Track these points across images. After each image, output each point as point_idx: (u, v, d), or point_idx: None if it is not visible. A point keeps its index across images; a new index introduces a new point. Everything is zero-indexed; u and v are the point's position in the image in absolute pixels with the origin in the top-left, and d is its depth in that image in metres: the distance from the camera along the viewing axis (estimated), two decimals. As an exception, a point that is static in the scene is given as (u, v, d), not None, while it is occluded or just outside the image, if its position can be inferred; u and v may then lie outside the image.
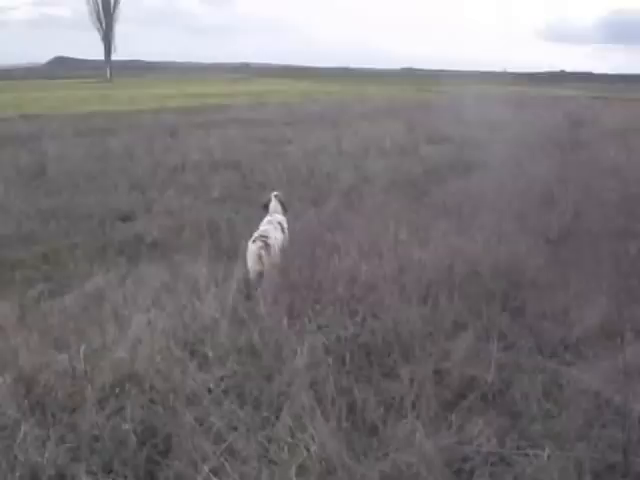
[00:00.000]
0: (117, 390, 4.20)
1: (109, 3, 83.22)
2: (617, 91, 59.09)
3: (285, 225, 7.36)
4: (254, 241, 6.58)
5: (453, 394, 4.47)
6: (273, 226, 7.12)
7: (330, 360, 4.64)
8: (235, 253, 7.83)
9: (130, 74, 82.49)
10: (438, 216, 9.56)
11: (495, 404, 4.45)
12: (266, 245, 6.53)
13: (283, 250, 6.92)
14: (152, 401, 4.14)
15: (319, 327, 5.24)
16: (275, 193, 7.83)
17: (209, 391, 4.27)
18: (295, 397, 4.11)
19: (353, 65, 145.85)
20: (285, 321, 5.32)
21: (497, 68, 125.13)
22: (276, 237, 6.89)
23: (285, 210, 7.73)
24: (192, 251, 8.21)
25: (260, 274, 6.52)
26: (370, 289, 6.09)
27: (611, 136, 20.54)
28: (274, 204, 7.62)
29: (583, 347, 5.33)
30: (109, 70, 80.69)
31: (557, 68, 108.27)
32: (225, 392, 4.30)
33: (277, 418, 3.97)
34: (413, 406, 4.18)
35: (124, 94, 42.67)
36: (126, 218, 10.07)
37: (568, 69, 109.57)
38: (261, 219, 7.38)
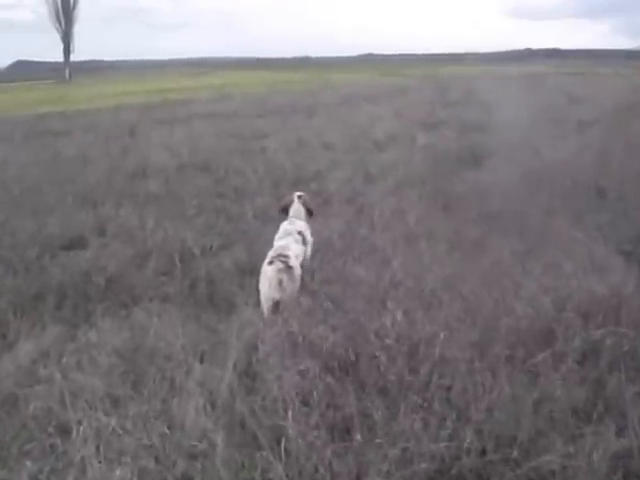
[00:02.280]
0: None
1: (68, 3, 79.74)
2: (589, 67, 57.56)
3: (308, 233, 6.20)
4: (271, 262, 5.36)
5: None
6: (293, 238, 5.90)
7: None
8: (218, 299, 5.95)
9: (90, 74, 78.98)
10: (477, 225, 7.61)
11: None
12: (287, 267, 5.32)
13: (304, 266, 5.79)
14: None
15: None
16: (299, 194, 6.58)
17: None
18: None
19: (312, 54, 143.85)
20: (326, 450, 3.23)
21: (460, 49, 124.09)
22: (297, 255, 5.69)
23: (310, 215, 6.52)
24: (160, 294, 6.14)
25: (277, 304, 5.27)
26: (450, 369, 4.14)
27: (618, 113, 18.63)
28: (297, 208, 6.43)
29: None
30: (68, 70, 77.21)
31: (522, 46, 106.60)
32: None
33: None
34: None
35: (82, 93, 39.75)
36: (72, 245, 7.71)
37: (534, 47, 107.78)
38: (278, 226, 6.22)
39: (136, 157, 12.82)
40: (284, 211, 6.45)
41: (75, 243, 7.77)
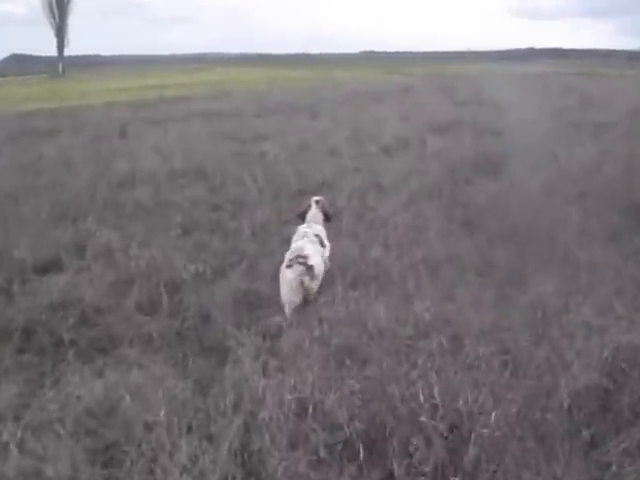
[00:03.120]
0: None
1: (63, -5, 78.72)
2: (593, 67, 56.51)
3: (324, 236, 6.10)
4: (290, 265, 5.32)
5: None
6: (309, 240, 5.81)
7: None
8: (210, 342, 5.05)
9: (85, 69, 77.68)
10: (505, 247, 6.79)
11: None
12: (308, 268, 5.28)
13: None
14: None
15: None
16: (316, 198, 6.55)
17: None
18: None
19: (312, 51, 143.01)
20: None
21: (462, 48, 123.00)
22: (316, 256, 5.57)
23: (328, 220, 6.51)
24: (142, 334, 5.24)
25: (298, 306, 5.30)
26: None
27: (633, 116, 17.68)
28: (314, 213, 6.38)
29: None
30: (61, 65, 76.02)
31: (525, 45, 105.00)
32: None
33: None
34: None
35: (75, 89, 38.45)
36: (46, 268, 6.73)
37: (537, 46, 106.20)
38: (295, 231, 6.16)
39: (125, 162, 11.79)
40: (301, 216, 6.37)
41: (49, 266, 6.80)
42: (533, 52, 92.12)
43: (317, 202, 6.44)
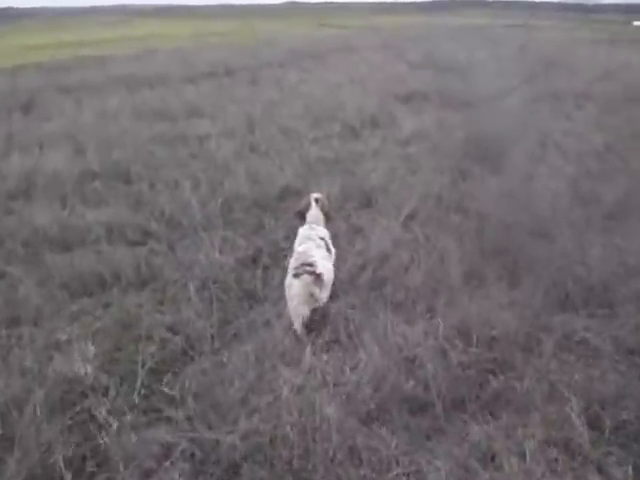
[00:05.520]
0: None
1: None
2: (523, 18, 54.96)
3: (329, 240, 5.29)
4: (297, 274, 4.57)
5: None
6: (315, 243, 5.03)
7: None
8: None
9: (-1, 24, 71.13)
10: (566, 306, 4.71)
11: None
12: (316, 277, 4.54)
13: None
14: None
15: None
16: (316, 196, 5.67)
17: None
18: None
19: (234, 1, 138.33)
20: None
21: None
22: (324, 262, 4.81)
23: (328, 220, 5.65)
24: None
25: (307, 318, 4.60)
26: None
27: (605, 85, 15.75)
28: (314, 213, 5.51)
29: None
30: (-32, 20, 69.79)
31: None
32: None
33: None
34: None
35: (-21, 48, 34.10)
36: None
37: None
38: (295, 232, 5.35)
39: (24, 155, 9.08)
40: (300, 216, 5.57)
41: None
42: (454, 3, 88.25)
43: (317, 200, 5.59)
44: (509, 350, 4.29)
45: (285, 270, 4.89)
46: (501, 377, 4.04)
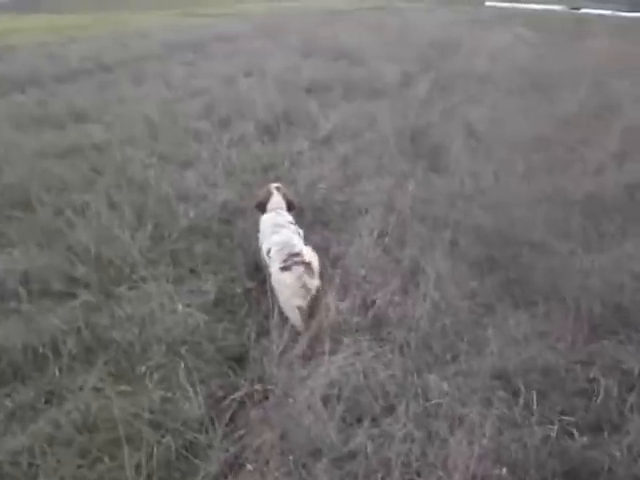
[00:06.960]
0: None
1: None
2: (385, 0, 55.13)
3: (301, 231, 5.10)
4: (287, 267, 4.34)
5: None
6: (290, 230, 4.91)
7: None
8: None
9: None
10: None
11: None
12: (306, 267, 4.34)
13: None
14: None
15: None
16: (276, 185, 5.51)
17: None
18: None
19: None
20: None
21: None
22: (307, 248, 4.63)
23: (291, 208, 5.40)
24: None
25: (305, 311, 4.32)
26: None
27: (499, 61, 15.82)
28: (277, 200, 5.33)
29: None
30: None
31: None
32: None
33: None
34: None
35: None
36: None
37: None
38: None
39: None
40: (261, 207, 5.37)
41: None
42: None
43: (278, 189, 5.48)
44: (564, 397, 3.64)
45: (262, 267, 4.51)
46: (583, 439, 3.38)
